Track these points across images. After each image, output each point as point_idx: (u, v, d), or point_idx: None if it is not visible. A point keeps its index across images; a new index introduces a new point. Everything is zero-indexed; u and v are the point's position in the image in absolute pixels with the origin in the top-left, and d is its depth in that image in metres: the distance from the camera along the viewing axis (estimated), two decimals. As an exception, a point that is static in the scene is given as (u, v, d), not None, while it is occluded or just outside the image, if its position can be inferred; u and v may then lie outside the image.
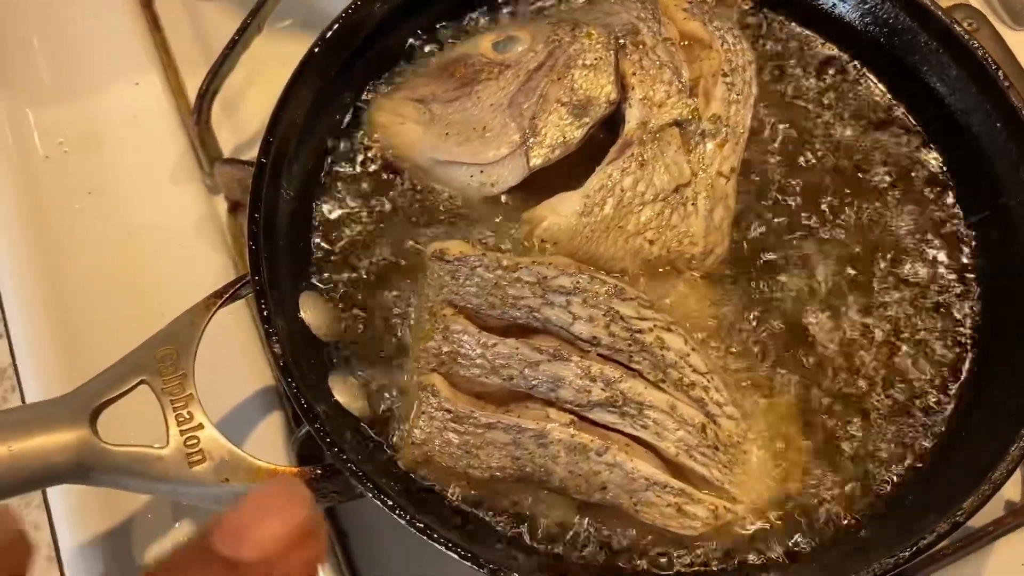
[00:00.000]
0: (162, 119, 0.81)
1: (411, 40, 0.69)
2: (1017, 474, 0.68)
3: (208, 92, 0.75)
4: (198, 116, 0.75)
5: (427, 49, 0.69)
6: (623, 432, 0.53)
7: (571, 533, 0.53)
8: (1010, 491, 0.69)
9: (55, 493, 0.66)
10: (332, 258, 0.61)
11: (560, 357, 0.53)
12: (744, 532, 0.53)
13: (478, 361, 0.54)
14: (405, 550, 0.61)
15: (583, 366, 0.53)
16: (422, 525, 0.48)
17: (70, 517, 0.65)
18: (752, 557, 0.53)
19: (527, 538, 0.53)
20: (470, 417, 0.53)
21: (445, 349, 0.55)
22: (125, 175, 0.79)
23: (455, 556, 0.47)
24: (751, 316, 0.60)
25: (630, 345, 0.54)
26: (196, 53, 0.83)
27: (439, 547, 0.48)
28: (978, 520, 0.55)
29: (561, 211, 0.59)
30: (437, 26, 0.69)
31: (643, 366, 0.54)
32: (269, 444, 0.66)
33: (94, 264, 0.74)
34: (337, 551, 0.61)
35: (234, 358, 0.70)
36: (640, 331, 0.54)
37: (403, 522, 0.48)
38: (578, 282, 0.55)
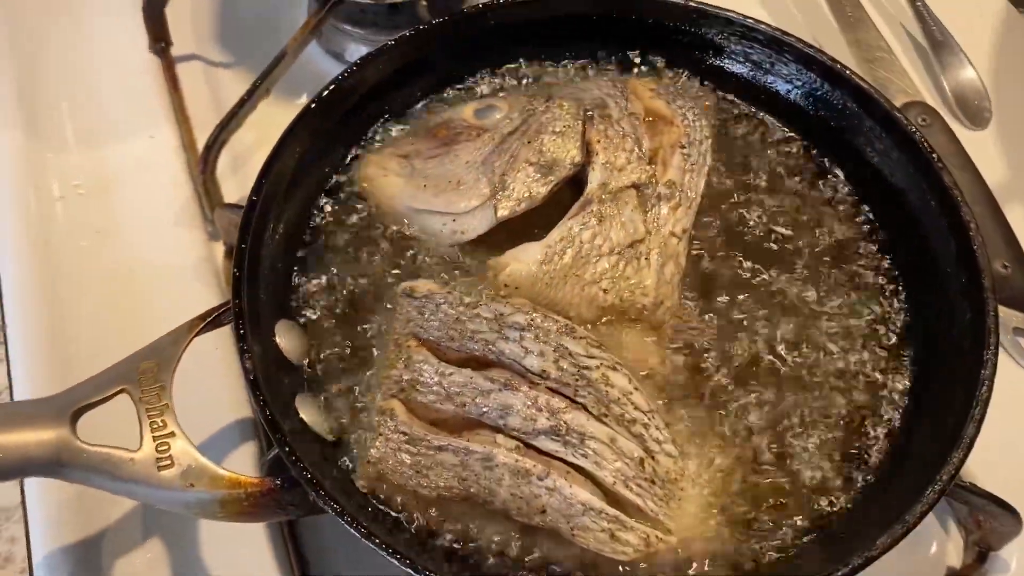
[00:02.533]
0: (172, 169, 0.88)
1: (401, 104, 0.75)
2: (959, 539, 0.71)
3: (215, 144, 0.81)
4: (204, 165, 0.81)
5: (416, 113, 0.76)
6: (564, 460, 0.56)
7: (512, 553, 0.56)
8: (952, 558, 0.72)
9: (34, 507, 0.70)
10: (310, 291, 0.66)
11: (510, 387, 0.57)
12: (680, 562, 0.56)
13: (435, 388, 0.58)
14: (359, 562, 0.64)
15: (531, 396, 0.57)
16: (367, 532, 0.51)
17: (46, 529, 0.68)
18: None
19: (470, 556, 0.56)
20: (423, 439, 0.57)
21: (406, 377, 0.59)
22: (132, 217, 0.85)
23: (395, 563, 0.50)
24: (698, 364, 0.64)
25: (577, 380, 0.58)
26: (209, 113, 0.90)
27: (382, 553, 0.51)
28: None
29: (524, 259, 0.64)
30: (427, 95, 0.76)
31: (588, 400, 0.57)
32: (240, 466, 0.69)
33: (94, 295, 0.79)
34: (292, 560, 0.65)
35: (217, 390, 0.74)
36: (587, 367, 0.58)
37: (351, 530, 0.52)
38: (532, 319, 0.59)
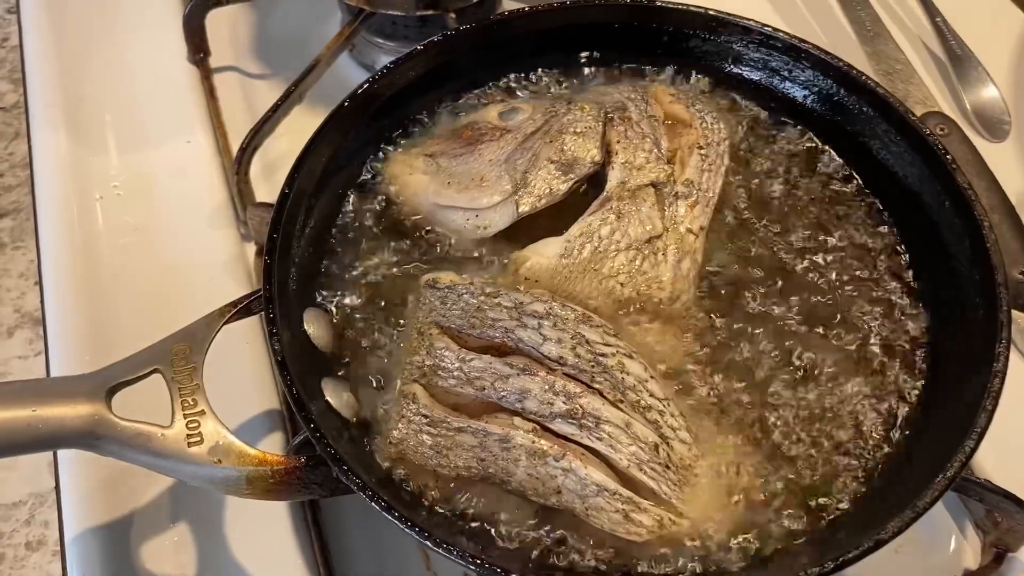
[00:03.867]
0: (207, 173, 0.91)
1: (429, 107, 0.78)
2: (976, 541, 0.71)
3: (249, 147, 0.85)
4: (238, 167, 0.84)
5: (442, 115, 0.78)
6: (580, 443, 0.57)
7: (528, 533, 0.58)
8: (969, 560, 0.72)
9: (67, 490, 0.72)
10: (339, 283, 0.69)
11: (528, 371, 0.59)
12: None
13: (455, 373, 0.60)
14: (381, 551, 0.65)
15: (548, 381, 0.58)
16: (388, 506, 0.53)
17: (78, 512, 0.70)
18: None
19: (488, 534, 0.57)
20: (443, 421, 0.58)
21: (428, 363, 0.61)
22: (168, 217, 0.88)
23: (414, 535, 0.52)
24: (713, 358, 0.65)
25: (593, 366, 0.59)
26: (244, 120, 0.94)
27: (401, 526, 0.52)
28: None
29: (544, 253, 0.66)
30: (453, 98, 0.79)
31: (604, 386, 0.59)
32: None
33: (131, 290, 0.82)
34: (315, 548, 0.66)
35: (247, 382, 0.77)
36: (603, 354, 0.60)
37: (372, 503, 0.53)
38: (550, 308, 0.61)
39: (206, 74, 0.99)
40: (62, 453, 0.73)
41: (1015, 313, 0.77)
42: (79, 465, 0.72)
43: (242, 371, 0.76)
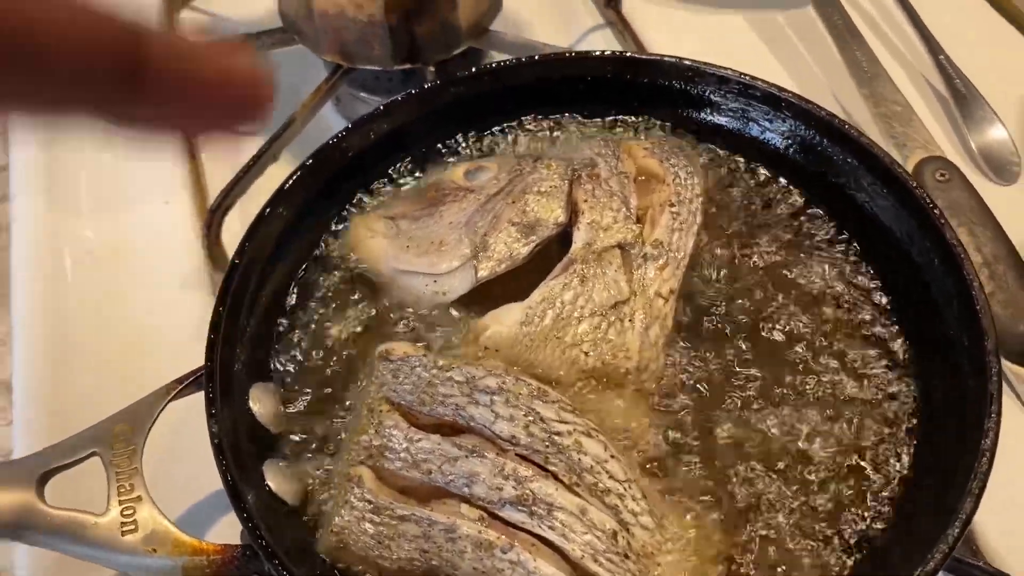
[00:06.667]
0: (183, 234, 0.90)
1: (393, 167, 0.75)
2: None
3: (220, 208, 0.83)
4: (208, 229, 0.82)
5: (407, 176, 0.76)
6: (530, 532, 0.53)
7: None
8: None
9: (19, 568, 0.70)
10: (291, 355, 0.66)
11: (477, 453, 0.55)
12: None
13: (402, 455, 0.57)
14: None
15: (498, 463, 0.55)
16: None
17: None
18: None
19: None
20: (387, 508, 0.55)
21: (376, 443, 0.58)
22: (141, 280, 0.87)
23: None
24: (683, 431, 0.61)
25: (547, 446, 0.56)
26: (226, 180, 0.92)
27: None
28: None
29: (504, 320, 0.63)
30: (419, 158, 0.76)
31: (559, 468, 0.55)
32: (222, 537, 0.68)
33: (99, 354, 0.81)
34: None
35: (201, 459, 0.74)
36: (559, 433, 0.56)
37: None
38: (503, 382, 0.57)
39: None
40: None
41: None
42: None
43: (196, 450, 0.73)
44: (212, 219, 0.82)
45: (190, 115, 0.33)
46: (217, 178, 0.94)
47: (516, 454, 0.56)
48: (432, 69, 0.93)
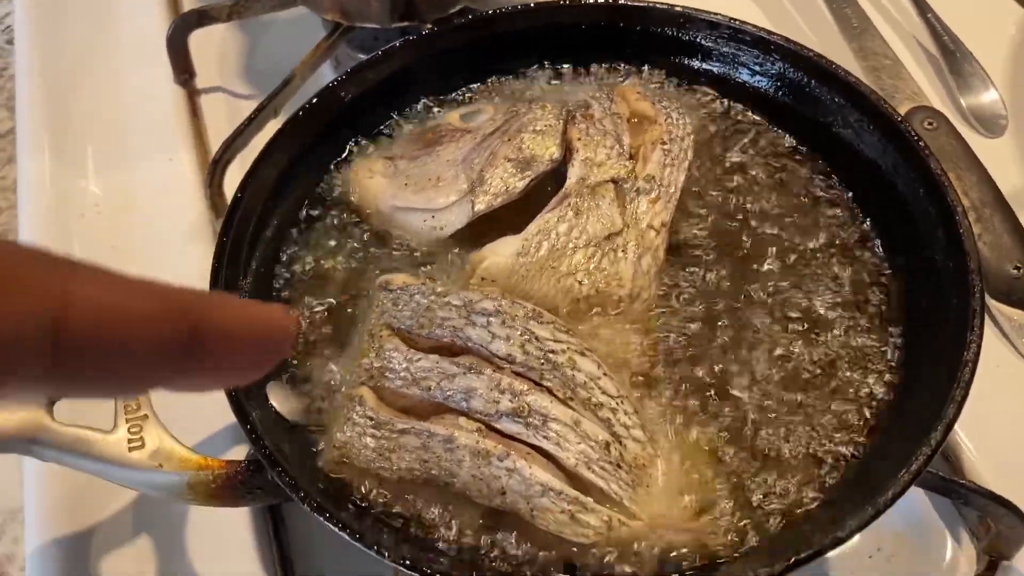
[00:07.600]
0: (187, 189, 0.91)
1: (393, 112, 0.77)
2: (972, 549, 0.67)
3: (222, 160, 0.84)
4: (211, 179, 0.84)
5: (406, 120, 0.77)
6: (526, 442, 0.55)
7: (473, 537, 0.55)
8: (964, 568, 0.68)
9: (31, 503, 0.71)
10: (293, 284, 0.68)
11: (474, 370, 0.57)
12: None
13: (402, 374, 0.58)
14: (337, 552, 0.64)
15: (495, 379, 0.56)
16: (319, 507, 0.51)
17: (40, 524, 0.70)
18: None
19: (430, 538, 0.55)
20: (388, 423, 0.57)
21: (376, 365, 0.59)
22: (147, 234, 0.88)
23: (346, 537, 0.50)
24: (675, 356, 0.62)
25: (542, 364, 0.57)
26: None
27: (333, 528, 0.51)
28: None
29: (501, 252, 0.65)
30: (417, 103, 0.78)
31: (553, 383, 0.57)
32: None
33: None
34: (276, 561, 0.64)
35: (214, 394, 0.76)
36: (553, 351, 0.58)
37: (303, 505, 0.52)
38: (499, 305, 0.59)
39: (191, 94, 1.00)
40: (28, 468, 0.73)
41: (1010, 310, 0.74)
42: (44, 480, 0.71)
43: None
44: (214, 170, 0.84)
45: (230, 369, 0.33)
46: (219, 137, 0.95)
47: (512, 371, 0.57)
48: (429, 27, 0.94)
